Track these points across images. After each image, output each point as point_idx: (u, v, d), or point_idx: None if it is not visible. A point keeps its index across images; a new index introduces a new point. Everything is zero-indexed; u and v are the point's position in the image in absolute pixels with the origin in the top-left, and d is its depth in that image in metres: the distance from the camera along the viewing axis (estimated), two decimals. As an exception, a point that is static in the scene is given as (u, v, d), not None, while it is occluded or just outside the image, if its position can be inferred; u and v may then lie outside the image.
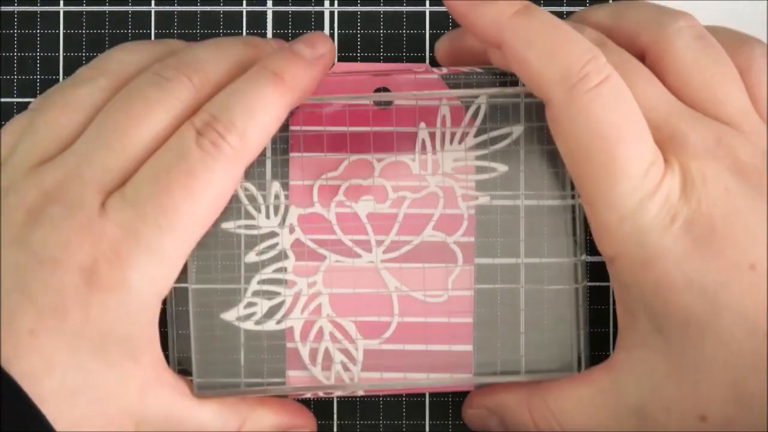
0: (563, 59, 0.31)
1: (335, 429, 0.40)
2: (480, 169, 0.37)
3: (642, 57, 0.34)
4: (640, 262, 0.31)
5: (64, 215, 0.30)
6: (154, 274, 0.31)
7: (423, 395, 0.40)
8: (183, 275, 0.36)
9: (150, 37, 0.41)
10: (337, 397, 0.39)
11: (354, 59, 0.41)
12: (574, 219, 0.37)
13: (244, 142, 0.32)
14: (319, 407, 0.40)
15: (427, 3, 0.41)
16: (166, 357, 0.34)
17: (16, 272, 0.29)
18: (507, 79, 0.37)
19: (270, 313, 0.37)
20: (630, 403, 0.32)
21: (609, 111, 0.31)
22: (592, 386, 0.33)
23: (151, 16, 0.41)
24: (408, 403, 0.40)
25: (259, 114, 0.32)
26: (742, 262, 0.29)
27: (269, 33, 0.41)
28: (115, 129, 0.31)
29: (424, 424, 0.40)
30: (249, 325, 0.36)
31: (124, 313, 0.30)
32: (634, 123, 0.31)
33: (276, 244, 0.37)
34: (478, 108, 0.37)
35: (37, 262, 0.29)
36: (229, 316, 0.36)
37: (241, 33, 0.41)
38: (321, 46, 0.34)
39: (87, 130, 0.32)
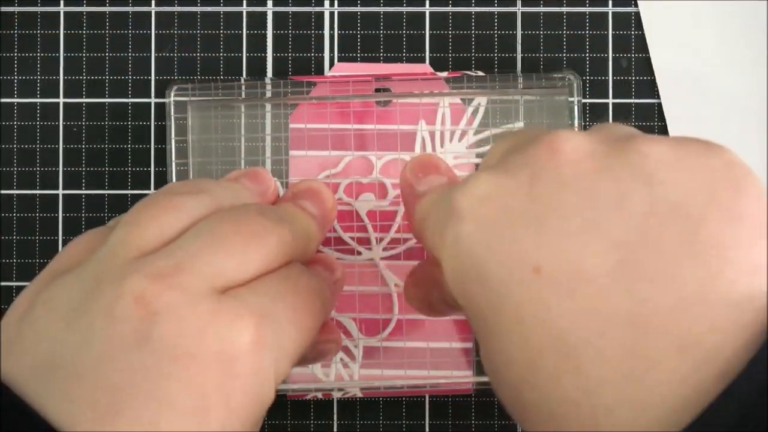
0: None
1: (335, 429, 0.39)
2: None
3: None
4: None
5: (187, 303, 0.26)
6: (282, 367, 0.28)
7: (423, 395, 0.40)
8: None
9: (150, 37, 0.41)
10: (337, 397, 0.39)
11: (354, 59, 0.41)
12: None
13: None
14: (319, 407, 0.39)
15: (427, 3, 0.41)
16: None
17: (146, 376, 0.25)
18: (507, 82, 0.37)
19: (270, 311, 0.36)
20: None
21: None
22: None
23: (151, 16, 0.41)
24: (408, 403, 0.39)
25: None
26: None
27: (269, 33, 0.41)
28: (235, 239, 0.28)
29: (424, 424, 0.39)
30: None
31: (260, 402, 0.28)
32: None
33: (276, 242, 0.37)
34: (478, 107, 0.37)
35: (169, 360, 0.25)
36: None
37: (241, 33, 0.41)
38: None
39: (194, 232, 0.29)
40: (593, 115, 0.40)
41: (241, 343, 0.26)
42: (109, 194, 0.41)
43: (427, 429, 0.40)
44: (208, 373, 0.26)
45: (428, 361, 0.37)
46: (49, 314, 0.27)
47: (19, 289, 0.40)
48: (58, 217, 0.41)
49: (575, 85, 0.38)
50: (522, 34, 0.40)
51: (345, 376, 0.36)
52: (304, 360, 0.32)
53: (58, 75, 0.41)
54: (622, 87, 0.40)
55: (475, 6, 0.40)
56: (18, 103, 0.41)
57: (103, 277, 0.27)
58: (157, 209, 0.29)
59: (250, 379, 0.27)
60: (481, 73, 0.37)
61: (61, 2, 0.41)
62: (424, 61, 0.40)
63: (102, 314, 0.26)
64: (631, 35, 0.40)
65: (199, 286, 0.27)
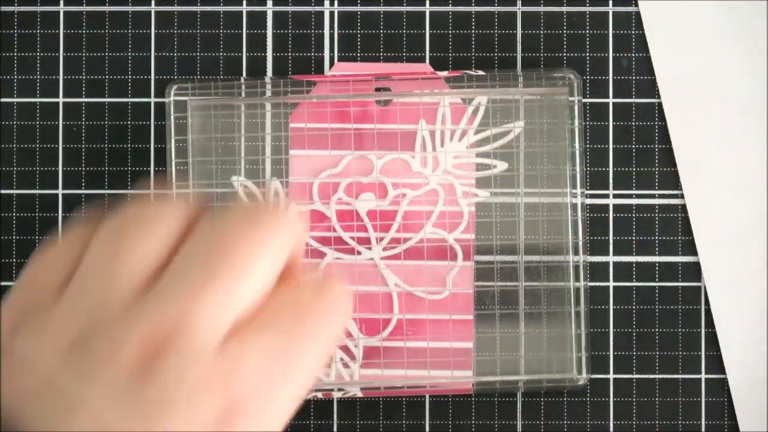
0: None
1: (335, 429, 0.39)
2: (480, 167, 0.37)
3: None
4: None
5: (183, 367, 0.26)
6: (286, 414, 0.27)
7: (423, 395, 0.40)
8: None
9: (150, 37, 0.41)
10: (337, 397, 0.39)
11: (354, 59, 0.41)
12: (574, 217, 0.37)
13: None
14: (319, 407, 0.39)
15: (427, 3, 0.41)
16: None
17: (141, 422, 0.25)
18: (508, 81, 0.37)
19: (269, 311, 0.36)
20: None
21: None
22: None
23: (151, 16, 0.41)
24: (408, 403, 0.39)
25: None
26: None
27: (269, 32, 0.41)
28: (229, 268, 0.27)
29: (424, 424, 0.39)
30: (248, 322, 0.36)
31: None
32: None
33: (276, 242, 0.37)
34: (479, 106, 0.37)
35: (165, 409, 0.26)
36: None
37: (241, 32, 0.41)
38: None
39: (181, 263, 0.27)
40: (593, 115, 0.40)
41: (246, 394, 0.26)
42: (109, 194, 0.41)
43: (427, 429, 0.39)
44: (205, 422, 0.26)
45: (428, 361, 0.37)
46: (42, 344, 0.26)
47: (19, 288, 0.40)
48: (57, 216, 0.41)
49: (575, 84, 0.38)
50: (522, 33, 0.40)
51: (345, 376, 0.36)
52: None
53: (58, 74, 0.41)
54: (622, 87, 0.40)
55: (475, 5, 0.40)
56: (18, 102, 0.41)
57: (101, 320, 0.26)
58: (129, 238, 0.28)
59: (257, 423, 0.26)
60: (481, 73, 0.37)
61: (61, 2, 0.41)
62: (424, 61, 0.40)
63: (101, 360, 0.26)
64: (632, 35, 0.40)
65: (198, 342, 0.26)
